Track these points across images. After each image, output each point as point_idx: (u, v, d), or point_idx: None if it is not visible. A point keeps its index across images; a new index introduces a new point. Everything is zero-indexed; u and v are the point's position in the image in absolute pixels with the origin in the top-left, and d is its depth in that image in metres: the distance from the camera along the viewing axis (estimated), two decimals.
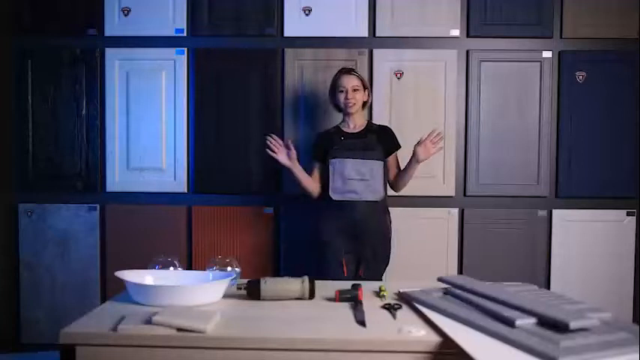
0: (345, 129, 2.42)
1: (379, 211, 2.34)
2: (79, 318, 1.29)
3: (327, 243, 2.30)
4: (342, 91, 2.35)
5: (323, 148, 2.38)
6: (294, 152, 2.30)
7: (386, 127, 2.47)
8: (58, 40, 2.85)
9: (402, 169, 2.40)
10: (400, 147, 2.42)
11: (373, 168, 2.31)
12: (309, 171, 2.41)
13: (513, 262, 2.80)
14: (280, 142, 2.29)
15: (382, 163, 2.34)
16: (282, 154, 2.28)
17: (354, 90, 2.34)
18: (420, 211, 2.78)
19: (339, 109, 2.43)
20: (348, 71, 2.39)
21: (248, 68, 2.82)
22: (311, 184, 2.40)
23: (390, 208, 2.41)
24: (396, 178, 2.42)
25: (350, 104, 2.34)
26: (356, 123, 2.41)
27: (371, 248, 2.30)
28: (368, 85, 2.44)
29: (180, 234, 2.84)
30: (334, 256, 2.28)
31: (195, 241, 2.83)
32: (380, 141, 2.37)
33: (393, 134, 2.45)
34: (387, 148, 2.39)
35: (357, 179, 2.29)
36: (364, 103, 2.43)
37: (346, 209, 2.29)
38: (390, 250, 2.38)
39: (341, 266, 2.27)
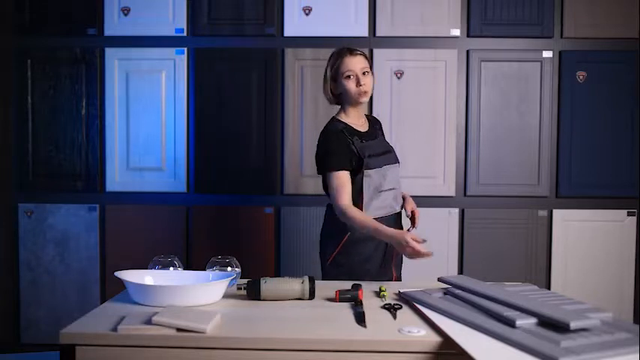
0: (355, 127, 1.92)
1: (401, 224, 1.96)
2: (79, 318, 1.28)
3: (364, 271, 1.84)
4: (349, 77, 1.85)
5: (349, 155, 1.84)
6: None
7: (378, 120, 2.10)
8: (58, 40, 2.85)
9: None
10: None
11: (399, 174, 1.96)
12: (341, 186, 1.80)
13: (513, 262, 2.80)
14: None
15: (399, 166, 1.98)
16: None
17: (364, 73, 1.87)
18: (420, 211, 2.77)
19: (337, 102, 1.96)
20: (352, 51, 1.89)
21: (248, 68, 2.82)
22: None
23: None
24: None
25: (363, 92, 1.86)
26: (360, 117, 1.97)
27: (399, 268, 1.95)
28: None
29: (180, 234, 2.83)
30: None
31: (195, 241, 2.83)
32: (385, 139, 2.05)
33: None
34: None
35: (389, 189, 1.88)
36: None
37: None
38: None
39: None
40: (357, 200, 1.84)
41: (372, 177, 1.84)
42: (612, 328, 1.10)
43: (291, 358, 1.16)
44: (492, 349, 1.05)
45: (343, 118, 1.93)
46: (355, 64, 1.86)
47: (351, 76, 1.86)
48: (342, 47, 1.93)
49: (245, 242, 2.81)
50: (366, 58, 1.91)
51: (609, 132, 2.80)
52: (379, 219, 1.80)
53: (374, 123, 2.05)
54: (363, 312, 1.34)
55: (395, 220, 1.92)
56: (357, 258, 1.86)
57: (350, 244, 1.86)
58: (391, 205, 1.90)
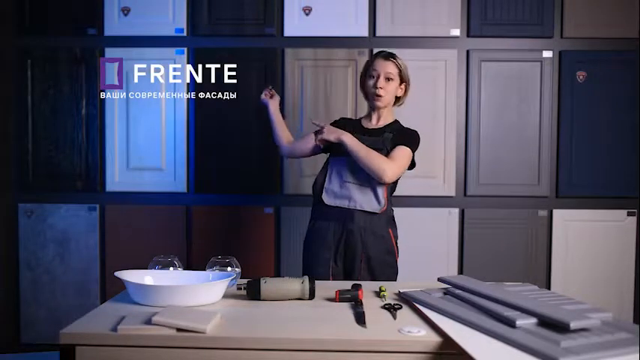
0: (364, 124, 2.04)
1: (379, 225, 1.96)
2: (79, 318, 1.28)
3: (313, 255, 1.99)
4: (372, 76, 1.96)
5: None
6: (277, 97, 2.16)
7: (413, 130, 2.03)
8: (58, 40, 2.85)
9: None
10: (410, 148, 1.95)
11: None
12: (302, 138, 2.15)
13: (513, 262, 2.80)
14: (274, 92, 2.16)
15: None
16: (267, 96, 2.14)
17: (388, 79, 1.94)
18: (420, 211, 2.78)
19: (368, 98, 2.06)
20: (387, 56, 1.97)
21: (248, 68, 2.82)
22: (283, 130, 2.14)
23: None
24: None
25: (378, 95, 1.94)
26: (377, 119, 2.03)
27: (367, 271, 1.93)
28: (407, 78, 2.01)
29: (179, 234, 2.83)
30: (320, 270, 1.94)
31: (195, 241, 2.83)
32: (395, 141, 1.95)
33: (414, 137, 2.00)
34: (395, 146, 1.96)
35: (354, 183, 1.93)
36: (397, 99, 2.04)
37: (338, 218, 1.94)
38: (395, 275, 2.00)
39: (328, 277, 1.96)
40: (322, 180, 2.00)
41: (335, 163, 1.98)
42: (612, 328, 1.10)
43: (291, 358, 1.15)
44: (492, 349, 1.05)
45: (363, 117, 2.11)
46: (382, 67, 1.96)
47: (373, 76, 1.97)
48: (383, 50, 2.04)
49: (245, 242, 2.81)
50: (398, 66, 1.97)
51: (609, 132, 2.80)
52: (338, 210, 1.94)
53: (394, 129, 2.00)
54: (363, 312, 1.33)
55: (357, 218, 1.93)
56: (313, 243, 2.01)
57: (309, 230, 2.05)
58: (350, 198, 1.94)
